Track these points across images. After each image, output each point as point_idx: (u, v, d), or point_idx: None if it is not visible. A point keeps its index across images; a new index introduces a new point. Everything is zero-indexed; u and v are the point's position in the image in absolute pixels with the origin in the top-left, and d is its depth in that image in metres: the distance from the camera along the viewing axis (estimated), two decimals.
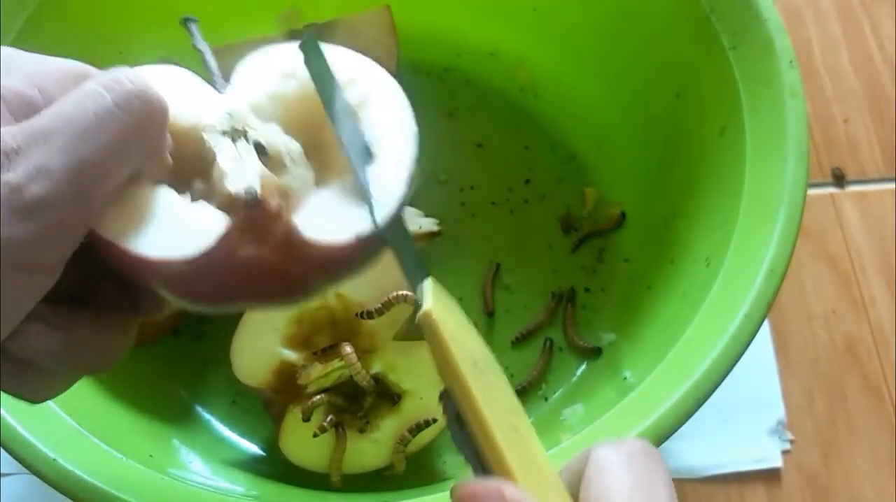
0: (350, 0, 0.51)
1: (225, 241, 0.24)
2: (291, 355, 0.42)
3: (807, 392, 0.51)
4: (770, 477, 0.48)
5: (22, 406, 0.33)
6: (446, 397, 0.23)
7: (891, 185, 0.57)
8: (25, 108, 0.23)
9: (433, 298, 0.23)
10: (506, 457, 0.22)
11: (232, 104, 0.27)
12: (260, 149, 0.26)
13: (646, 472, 0.22)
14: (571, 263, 0.50)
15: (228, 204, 0.25)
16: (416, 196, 0.52)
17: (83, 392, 0.39)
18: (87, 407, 0.37)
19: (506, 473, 0.22)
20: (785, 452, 0.49)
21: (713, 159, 0.41)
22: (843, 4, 0.63)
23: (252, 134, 0.27)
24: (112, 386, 0.40)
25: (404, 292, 0.41)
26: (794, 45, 0.40)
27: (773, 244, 0.36)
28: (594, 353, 0.47)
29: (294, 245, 0.24)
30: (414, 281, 0.24)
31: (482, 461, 0.23)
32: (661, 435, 0.33)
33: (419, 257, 0.25)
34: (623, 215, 0.50)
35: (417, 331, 0.24)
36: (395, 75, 0.54)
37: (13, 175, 0.21)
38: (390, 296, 0.41)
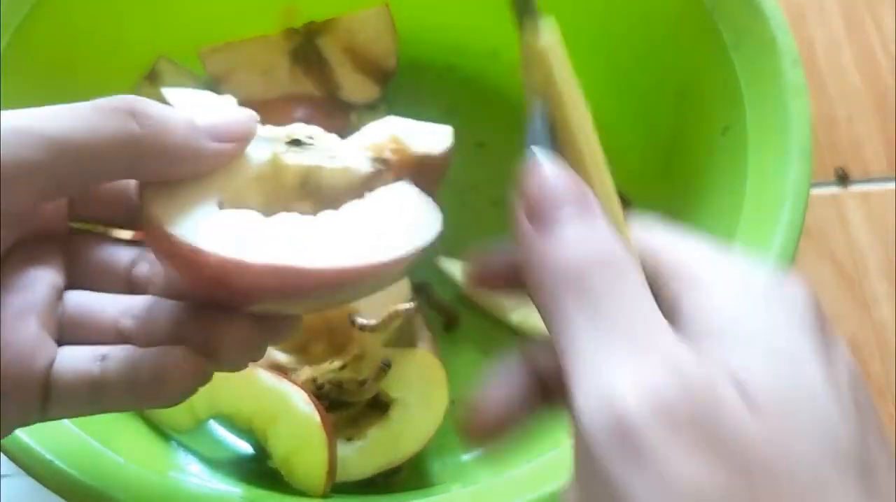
0: None
1: None
2: (281, 357, 0.42)
3: None
4: None
5: None
6: (540, 108, 0.26)
7: (894, 185, 0.57)
8: None
9: (553, 34, 0.26)
10: (592, 175, 0.24)
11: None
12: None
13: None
14: None
15: None
16: None
17: None
18: None
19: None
20: None
21: (715, 158, 0.41)
22: (846, 4, 0.62)
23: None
24: None
25: (404, 306, 0.41)
26: (797, 43, 0.40)
27: (775, 244, 0.35)
28: None
29: None
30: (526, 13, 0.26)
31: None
32: None
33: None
34: (627, 204, 0.50)
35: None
36: (394, 74, 0.55)
37: None
38: (391, 311, 0.41)
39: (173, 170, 0.25)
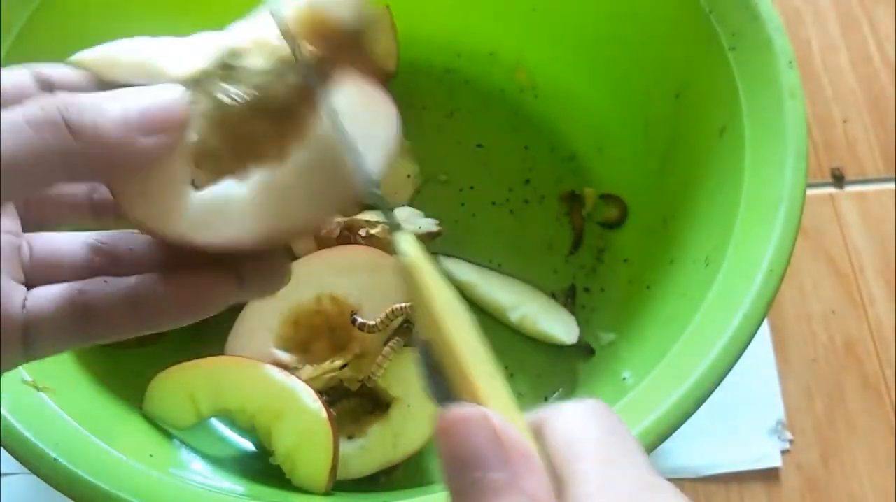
0: None
1: None
2: (283, 356, 0.43)
3: (806, 392, 0.51)
4: (769, 476, 0.48)
5: (23, 405, 0.33)
6: (423, 344, 0.24)
7: (890, 185, 0.57)
8: None
9: (413, 248, 0.24)
10: (485, 399, 0.22)
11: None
12: None
13: (612, 421, 0.22)
14: (571, 263, 0.51)
15: None
16: (416, 196, 0.52)
17: (83, 392, 0.39)
18: (87, 407, 0.37)
19: None
20: (784, 452, 0.49)
21: (712, 159, 0.41)
22: (842, 5, 0.63)
23: None
24: (112, 386, 0.40)
25: (403, 304, 0.42)
26: (793, 45, 0.40)
27: (772, 244, 0.36)
28: (587, 352, 0.47)
29: None
30: (391, 228, 0.25)
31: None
32: (660, 435, 0.33)
33: (392, 209, 0.26)
34: (625, 207, 0.50)
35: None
36: (394, 76, 0.55)
37: None
38: (390, 309, 0.41)
39: (109, 175, 0.26)
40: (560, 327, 0.47)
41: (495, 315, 0.49)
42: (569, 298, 0.49)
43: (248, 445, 0.44)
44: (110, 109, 0.25)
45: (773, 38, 0.40)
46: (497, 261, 0.50)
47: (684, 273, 0.41)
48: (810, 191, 0.49)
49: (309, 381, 0.41)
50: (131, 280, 0.27)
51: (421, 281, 0.23)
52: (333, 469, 0.39)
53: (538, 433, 0.23)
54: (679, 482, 0.48)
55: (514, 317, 0.48)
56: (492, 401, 0.22)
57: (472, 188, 0.53)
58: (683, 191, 0.44)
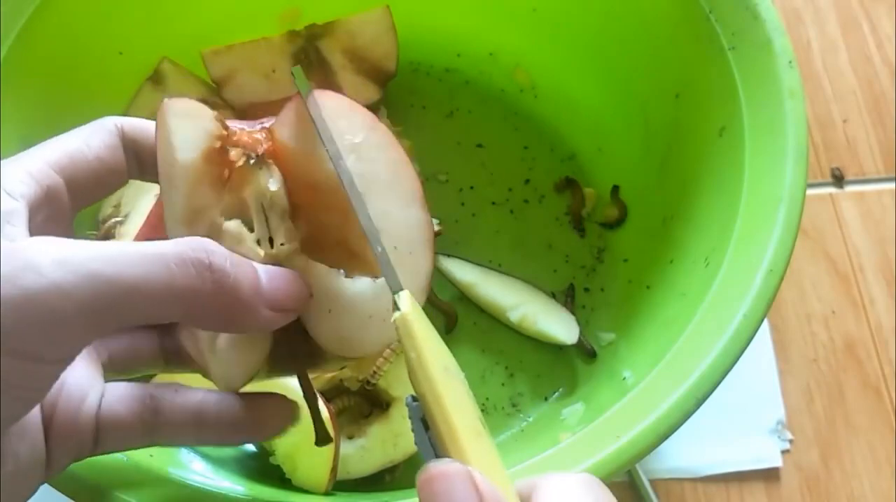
0: (350, 0, 0.51)
1: None
2: None
3: (806, 391, 0.51)
4: (770, 476, 0.48)
5: None
6: (414, 402, 0.24)
7: (890, 185, 0.57)
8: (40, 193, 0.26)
9: (410, 305, 0.25)
10: (471, 459, 0.22)
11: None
12: None
13: (605, 495, 0.23)
14: (571, 263, 0.51)
15: None
16: None
17: None
18: None
19: None
20: (784, 452, 0.49)
21: (712, 159, 0.41)
22: (842, 5, 0.63)
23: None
24: None
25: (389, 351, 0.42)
26: (793, 45, 0.40)
27: (772, 244, 0.36)
28: (590, 354, 0.47)
29: None
30: (392, 289, 0.26)
31: None
32: (660, 435, 0.33)
33: (395, 273, 0.27)
34: (625, 207, 0.50)
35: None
36: (394, 76, 0.55)
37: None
38: (383, 356, 0.42)
39: (222, 327, 0.26)
40: (560, 327, 0.47)
41: (495, 315, 0.49)
42: (569, 298, 0.49)
43: (249, 445, 0.44)
44: (250, 271, 0.25)
45: (773, 38, 0.40)
46: (497, 260, 0.50)
47: (684, 273, 0.41)
48: (810, 191, 0.50)
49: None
50: (199, 394, 0.28)
51: (416, 337, 0.24)
52: (334, 469, 0.39)
53: (527, 499, 0.23)
54: (679, 482, 0.48)
55: (514, 317, 0.48)
56: (477, 461, 0.22)
57: (472, 188, 0.53)
58: (683, 191, 0.44)
